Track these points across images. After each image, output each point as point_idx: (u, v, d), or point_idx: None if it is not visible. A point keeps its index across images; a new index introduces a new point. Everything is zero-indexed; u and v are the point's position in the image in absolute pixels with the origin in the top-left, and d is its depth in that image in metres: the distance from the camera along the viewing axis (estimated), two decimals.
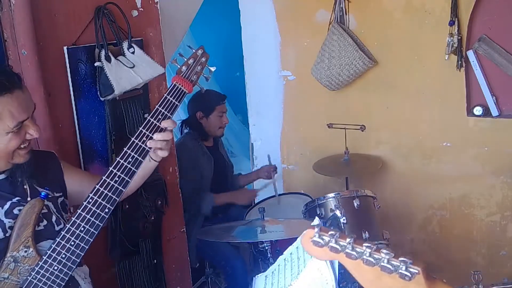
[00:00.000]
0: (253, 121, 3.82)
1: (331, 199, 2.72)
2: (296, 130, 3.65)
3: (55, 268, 1.51)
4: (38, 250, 1.52)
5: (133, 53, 2.24)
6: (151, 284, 2.49)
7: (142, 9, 2.39)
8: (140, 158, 1.59)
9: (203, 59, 1.72)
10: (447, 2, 2.95)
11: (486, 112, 3.03)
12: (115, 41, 2.20)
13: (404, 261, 0.87)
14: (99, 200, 1.55)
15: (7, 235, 1.50)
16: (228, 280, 3.09)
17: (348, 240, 0.92)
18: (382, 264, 0.88)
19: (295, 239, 1.52)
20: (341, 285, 1.20)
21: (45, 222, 1.57)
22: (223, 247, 3.01)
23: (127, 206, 2.28)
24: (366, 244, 0.91)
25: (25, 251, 1.50)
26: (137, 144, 1.60)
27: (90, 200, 1.54)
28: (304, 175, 3.62)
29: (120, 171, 1.57)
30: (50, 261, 1.51)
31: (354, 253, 0.91)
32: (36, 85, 1.91)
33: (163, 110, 1.61)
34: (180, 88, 1.65)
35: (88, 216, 1.54)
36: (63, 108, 2.08)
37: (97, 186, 1.55)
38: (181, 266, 2.73)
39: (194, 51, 1.73)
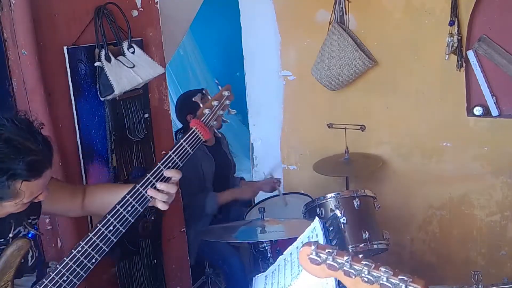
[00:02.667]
0: (253, 121, 3.82)
1: (331, 199, 2.72)
2: (296, 130, 3.65)
3: None
4: None
5: (133, 53, 2.24)
6: (151, 284, 2.49)
7: (142, 9, 2.39)
8: (139, 208, 1.48)
9: (227, 102, 1.59)
10: (447, 2, 2.95)
11: (486, 112, 3.03)
12: (115, 41, 2.20)
13: (403, 280, 0.86)
14: (89, 250, 1.44)
15: None
16: (228, 280, 3.09)
17: (345, 258, 0.91)
18: (381, 282, 0.87)
19: (295, 239, 1.52)
20: (341, 285, 1.20)
21: (22, 260, 1.45)
22: (221, 246, 3.00)
23: None
24: (364, 262, 0.89)
25: None
26: (140, 192, 1.47)
27: (80, 249, 1.43)
28: (304, 175, 3.62)
29: (117, 220, 1.45)
30: None
31: (352, 271, 0.90)
32: (36, 85, 1.91)
33: (175, 158, 1.50)
34: (198, 136, 1.53)
35: (74, 266, 1.43)
36: (63, 108, 2.08)
37: (90, 235, 1.44)
38: (181, 266, 2.73)
39: (220, 89, 1.58)
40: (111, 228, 1.45)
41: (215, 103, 1.55)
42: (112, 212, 1.46)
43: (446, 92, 3.11)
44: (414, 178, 3.31)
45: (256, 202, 3.35)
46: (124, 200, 1.47)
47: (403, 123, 3.29)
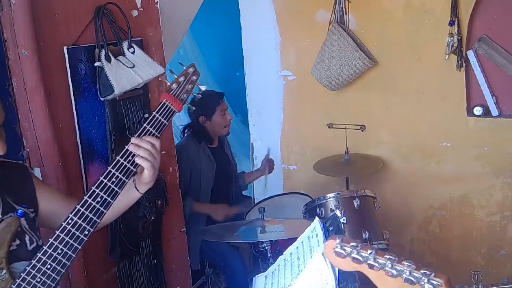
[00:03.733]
0: (253, 121, 3.82)
1: (331, 199, 2.72)
2: (296, 130, 3.65)
3: None
4: (11, 272, 1.41)
5: (133, 53, 2.24)
6: (151, 284, 2.49)
7: (142, 9, 2.39)
8: (124, 178, 1.50)
9: (194, 77, 1.67)
10: (447, 2, 2.95)
11: (486, 112, 3.03)
12: (115, 41, 2.20)
13: (426, 274, 0.88)
14: (79, 222, 1.45)
15: None
16: (228, 280, 3.09)
17: (369, 251, 0.94)
18: (404, 275, 0.89)
19: (295, 239, 1.52)
20: (341, 285, 1.20)
21: (17, 241, 1.46)
22: (223, 247, 3.01)
23: None
24: (388, 256, 0.92)
25: None
26: (122, 163, 1.51)
27: (70, 221, 1.44)
28: (304, 175, 3.62)
29: (103, 191, 1.48)
30: (24, 284, 1.39)
31: (376, 264, 0.93)
32: (36, 85, 1.91)
33: (151, 129, 1.55)
34: (170, 107, 1.59)
35: (66, 238, 1.43)
36: (63, 108, 2.08)
37: (78, 206, 1.45)
38: (181, 266, 2.73)
39: (185, 68, 1.68)
40: (98, 199, 1.48)
41: (181, 78, 1.64)
42: (96, 184, 1.49)
43: (446, 92, 3.11)
44: (414, 178, 3.32)
45: (256, 202, 3.35)
46: (107, 172, 1.50)
47: (403, 123, 3.29)
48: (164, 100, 1.60)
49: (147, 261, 2.46)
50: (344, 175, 3.24)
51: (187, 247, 2.76)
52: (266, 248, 2.47)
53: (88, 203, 1.47)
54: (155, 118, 1.57)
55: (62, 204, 1.61)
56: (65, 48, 2.05)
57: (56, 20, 2.02)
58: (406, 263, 0.90)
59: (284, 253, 1.52)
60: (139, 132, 1.55)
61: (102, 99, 2.18)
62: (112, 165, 1.51)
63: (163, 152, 2.53)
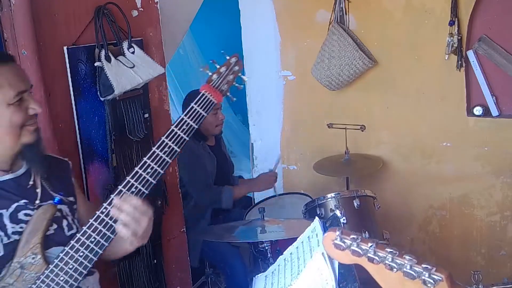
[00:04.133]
0: (253, 121, 3.82)
1: (331, 199, 2.72)
2: (296, 130, 3.65)
3: (61, 278, 1.44)
4: (46, 257, 1.46)
5: (133, 53, 2.24)
6: (151, 284, 2.49)
7: (142, 9, 2.39)
8: (159, 170, 1.50)
9: (236, 68, 1.64)
10: (447, 2, 2.94)
11: (486, 112, 3.03)
12: (115, 41, 2.20)
13: (427, 268, 0.86)
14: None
15: (11, 240, 1.44)
16: (228, 280, 3.09)
17: (370, 244, 0.92)
18: (404, 269, 0.88)
19: (295, 239, 1.52)
20: (341, 285, 1.20)
21: (55, 226, 1.51)
22: (223, 247, 3.01)
23: None
24: (389, 249, 0.90)
25: (33, 258, 1.44)
26: (157, 154, 1.50)
27: (104, 210, 1.46)
28: (304, 175, 3.62)
29: (138, 182, 1.48)
30: (56, 270, 1.44)
31: (376, 257, 0.91)
32: (36, 85, 1.90)
33: (188, 120, 1.52)
34: (209, 98, 1.55)
35: (100, 227, 1.46)
36: (63, 108, 2.08)
37: (112, 196, 1.47)
38: (181, 266, 2.73)
39: (227, 58, 1.64)
40: (133, 189, 1.48)
41: (223, 69, 1.61)
42: (131, 174, 1.49)
43: (446, 92, 3.11)
44: (414, 178, 3.31)
45: (256, 202, 3.35)
46: (142, 163, 1.49)
47: (403, 123, 3.29)
48: (203, 91, 1.57)
49: (147, 261, 2.46)
50: (344, 175, 3.24)
51: (187, 247, 2.76)
52: (266, 248, 2.47)
53: (122, 192, 1.47)
54: (193, 109, 1.54)
55: (87, 208, 1.66)
56: (65, 48, 2.05)
57: (56, 20, 2.03)
58: (407, 257, 0.88)
59: (284, 253, 1.52)
60: (176, 123, 1.53)
61: (102, 99, 2.18)
62: (148, 155, 1.50)
63: None
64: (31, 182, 1.53)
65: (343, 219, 2.60)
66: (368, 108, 3.36)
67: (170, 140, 1.52)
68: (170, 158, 1.52)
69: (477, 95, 3.05)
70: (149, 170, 1.49)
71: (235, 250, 3.08)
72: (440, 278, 0.86)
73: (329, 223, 2.58)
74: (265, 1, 3.50)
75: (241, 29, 3.67)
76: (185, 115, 1.53)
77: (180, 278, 2.71)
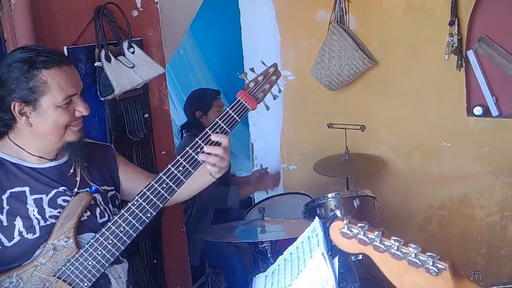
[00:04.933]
0: (253, 121, 3.81)
1: (331, 199, 2.72)
2: (296, 130, 3.65)
3: (89, 263, 1.53)
4: (78, 242, 1.54)
5: (133, 53, 2.24)
6: (151, 284, 2.49)
7: (142, 9, 2.39)
8: (190, 169, 1.58)
9: (274, 78, 1.70)
10: (447, 2, 2.94)
11: (486, 112, 3.03)
12: (115, 41, 2.20)
13: (431, 256, 0.88)
14: (144, 204, 1.55)
15: (48, 223, 1.53)
16: (228, 280, 3.09)
17: (376, 233, 0.93)
18: (409, 258, 0.89)
19: (295, 239, 1.52)
20: (341, 285, 1.20)
21: (88, 213, 1.60)
22: (223, 247, 3.01)
23: None
24: (394, 238, 0.92)
25: (65, 241, 1.53)
26: (190, 154, 1.58)
27: (135, 203, 1.55)
28: (304, 175, 3.62)
29: (169, 178, 1.56)
30: (86, 255, 1.53)
31: (382, 246, 0.92)
32: None
33: (222, 124, 1.59)
34: (244, 105, 1.63)
35: (130, 218, 1.55)
36: None
37: (144, 190, 1.56)
38: (181, 266, 2.73)
39: (266, 67, 1.71)
40: (164, 185, 1.57)
41: (260, 78, 1.68)
42: (164, 171, 1.57)
43: (446, 92, 3.11)
44: (414, 178, 3.31)
45: (256, 202, 3.35)
46: (175, 161, 1.58)
47: (403, 123, 3.29)
48: (239, 98, 1.64)
49: (147, 261, 2.46)
50: (344, 175, 3.24)
51: (187, 247, 2.76)
52: (266, 248, 2.47)
53: (154, 187, 1.56)
54: (228, 114, 1.61)
55: (142, 182, 1.70)
56: (65, 48, 2.05)
57: (56, 20, 2.03)
58: (412, 245, 0.89)
59: (284, 253, 1.52)
60: (210, 125, 1.60)
61: (102, 99, 2.18)
62: (181, 155, 1.59)
63: (163, 152, 2.53)
64: (71, 171, 1.61)
65: None
66: (368, 108, 3.36)
67: (202, 141, 1.60)
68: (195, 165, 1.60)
69: (477, 95, 3.05)
70: (180, 168, 1.57)
71: (235, 250, 3.08)
72: (444, 267, 0.87)
73: (329, 223, 2.58)
74: (265, 1, 3.50)
75: (241, 29, 3.67)
76: (220, 119, 1.60)
77: (180, 278, 2.71)
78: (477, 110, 3.03)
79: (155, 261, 2.51)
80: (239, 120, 1.62)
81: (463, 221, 3.23)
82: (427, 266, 0.87)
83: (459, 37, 2.94)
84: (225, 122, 1.60)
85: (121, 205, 1.72)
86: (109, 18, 2.18)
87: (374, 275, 2.91)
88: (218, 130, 1.59)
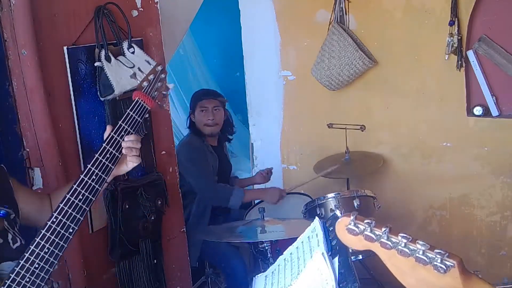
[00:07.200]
0: (253, 121, 3.82)
1: (331, 199, 2.73)
2: (296, 130, 3.65)
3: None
4: None
5: (133, 53, 2.24)
6: (151, 284, 2.49)
7: (142, 9, 2.39)
8: (103, 176, 1.56)
9: (162, 75, 1.72)
10: (447, 2, 2.95)
11: (486, 112, 3.03)
12: (115, 41, 2.20)
13: (440, 253, 0.86)
14: (64, 220, 1.48)
15: None
16: (228, 280, 3.09)
17: (383, 229, 0.91)
18: (417, 255, 0.87)
19: (295, 239, 1.52)
20: (341, 285, 1.20)
21: (1, 240, 1.46)
22: (223, 247, 3.01)
23: (127, 206, 2.28)
24: (402, 235, 0.90)
25: None
26: (101, 160, 1.56)
27: (54, 220, 1.46)
28: (304, 175, 3.62)
29: (84, 189, 1.52)
30: (14, 285, 1.40)
31: (389, 242, 0.90)
32: (36, 85, 1.91)
33: (126, 126, 1.61)
34: (142, 104, 1.64)
35: (52, 237, 1.45)
36: (63, 108, 2.08)
37: (61, 205, 1.48)
38: (181, 266, 2.72)
39: (152, 66, 1.74)
40: (80, 197, 1.52)
41: (151, 76, 1.70)
42: (77, 182, 1.53)
43: (446, 92, 3.11)
44: (414, 178, 3.31)
45: (256, 202, 3.35)
46: (87, 170, 1.54)
47: (403, 123, 3.29)
48: (137, 98, 1.65)
49: (147, 261, 2.46)
50: (344, 175, 3.24)
51: (187, 247, 2.76)
52: (266, 248, 2.47)
53: (71, 201, 1.50)
54: (129, 116, 1.62)
55: (39, 204, 1.65)
56: (65, 48, 2.05)
57: (56, 20, 2.02)
58: (420, 242, 0.87)
59: (284, 253, 1.52)
60: (115, 129, 1.60)
61: (102, 99, 2.18)
62: (91, 163, 1.55)
63: (163, 152, 2.53)
64: None
65: None
66: (368, 108, 3.36)
67: (110, 146, 1.58)
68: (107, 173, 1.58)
69: (477, 95, 3.05)
70: (93, 176, 1.55)
71: (235, 250, 3.08)
72: (452, 264, 0.85)
73: (329, 223, 2.58)
74: (265, 1, 3.50)
75: (241, 29, 3.67)
76: (123, 122, 1.61)
77: (180, 278, 2.71)
78: (477, 110, 3.03)
79: (155, 261, 2.50)
80: (140, 120, 1.63)
81: (463, 221, 3.23)
82: (435, 263, 0.85)
83: (459, 37, 2.94)
84: (127, 123, 1.61)
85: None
86: (109, 18, 2.18)
87: (374, 275, 2.91)
88: (123, 133, 1.59)
